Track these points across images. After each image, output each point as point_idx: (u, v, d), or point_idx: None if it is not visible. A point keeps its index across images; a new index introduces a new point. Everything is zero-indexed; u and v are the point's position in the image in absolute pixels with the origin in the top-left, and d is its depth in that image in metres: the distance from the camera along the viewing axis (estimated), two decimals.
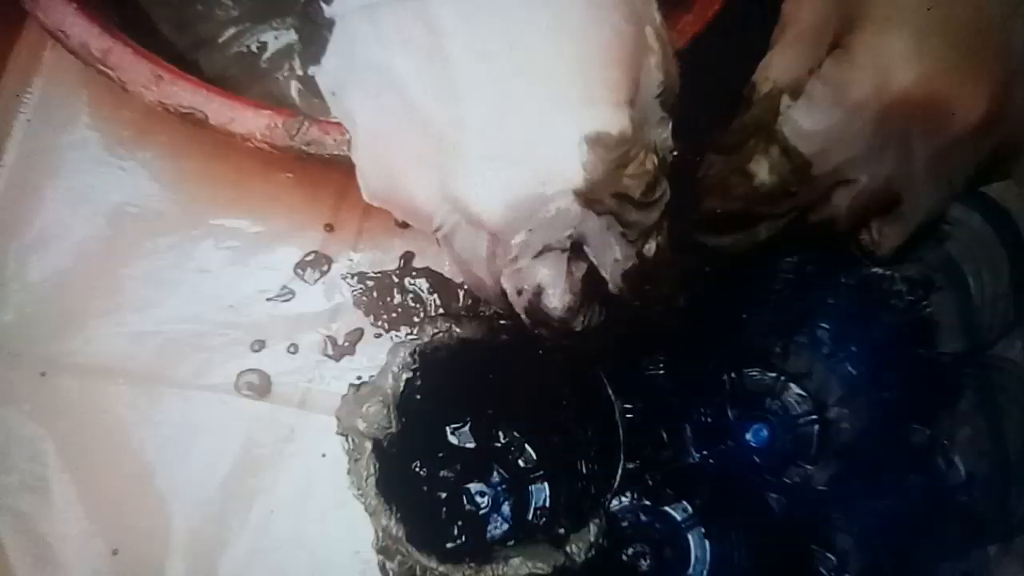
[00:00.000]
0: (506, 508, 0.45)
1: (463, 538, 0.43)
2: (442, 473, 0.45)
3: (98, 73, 0.43)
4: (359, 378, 0.47)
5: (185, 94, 0.43)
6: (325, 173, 0.52)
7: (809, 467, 0.44)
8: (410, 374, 0.40)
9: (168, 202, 0.51)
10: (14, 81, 0.53)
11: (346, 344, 0.49)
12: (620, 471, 0.40)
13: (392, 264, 0.51)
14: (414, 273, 0.51)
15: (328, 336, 0.49)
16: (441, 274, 0.51)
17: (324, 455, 0.47)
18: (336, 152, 0.42)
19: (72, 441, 0.47)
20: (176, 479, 0.46)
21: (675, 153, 0.32)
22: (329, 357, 0.49)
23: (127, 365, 0.48)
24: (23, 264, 0.50)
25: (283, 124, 0.42)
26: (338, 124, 0.42)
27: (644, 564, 0.43)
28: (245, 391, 0.48)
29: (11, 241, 0.50)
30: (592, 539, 0.39)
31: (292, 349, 0.49)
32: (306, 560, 0.46)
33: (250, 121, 0.43)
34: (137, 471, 0.46)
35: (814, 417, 0.45)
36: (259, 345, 0.49)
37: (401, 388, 0.40)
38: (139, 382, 0.48)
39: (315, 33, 0.52)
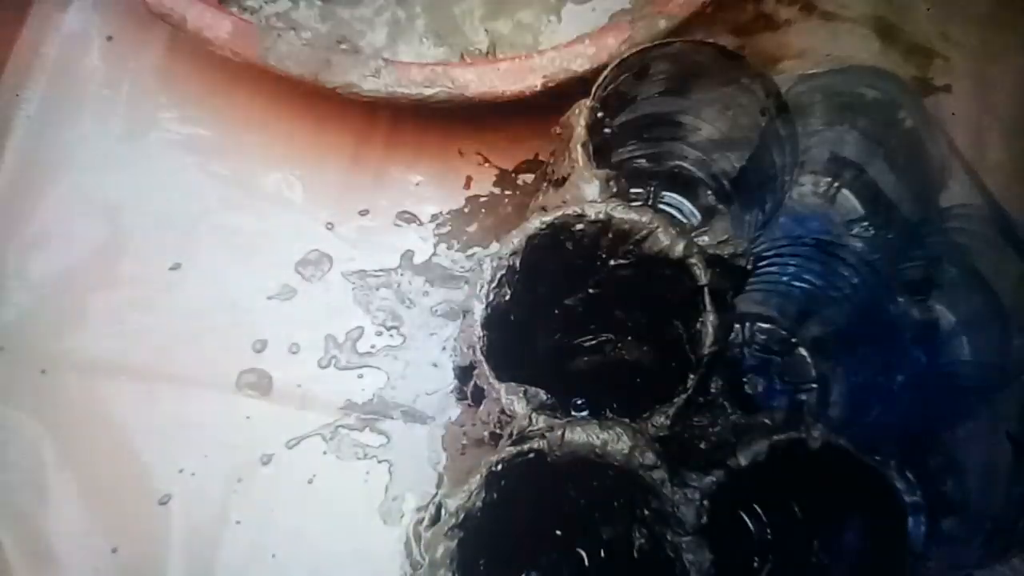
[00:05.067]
0: None
1: None
2: None
3: None
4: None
5: None
6: (326, 171, 0.52)
7: None
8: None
9: (168, 200, 0.51)
10: (14, 79, 0.53)
11: (347, 343, 0.49)
12: None
13: (393, 262, 0.51)
14: (414, 272, 0.51)
15: (329, 335, 0.49)
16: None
17: (324, 454, 0.47)
18: (303, 70, 0.45)
19: (72, 439, 0.46)
20: (176, 478, 0.46)
21: None
22: (330, 356, 0.49)
23: (127, 363, 0.48)
24: (24, 262, 0.49)
25: (257, 33, 0.44)
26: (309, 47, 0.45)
27: None
28: (246, 390, 0.48)
29: (11, 239, 0.50)
30: None
31: (293, 348, 0.49)
32: (306, 559, 0.46)
33: (223, 27, 0.45)
34: (137, 469, 0.46)
35: None
36: (260, 345, 0.49)
37: None
38: (140, 380, 0.48)
39: None
